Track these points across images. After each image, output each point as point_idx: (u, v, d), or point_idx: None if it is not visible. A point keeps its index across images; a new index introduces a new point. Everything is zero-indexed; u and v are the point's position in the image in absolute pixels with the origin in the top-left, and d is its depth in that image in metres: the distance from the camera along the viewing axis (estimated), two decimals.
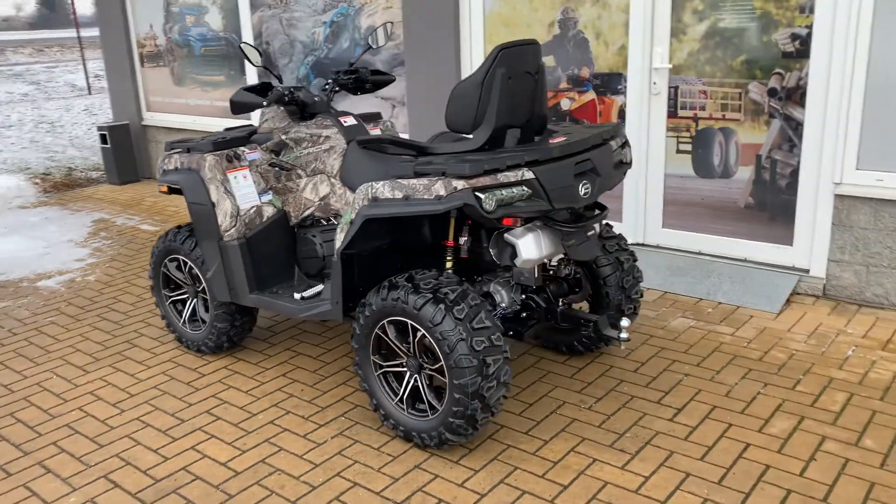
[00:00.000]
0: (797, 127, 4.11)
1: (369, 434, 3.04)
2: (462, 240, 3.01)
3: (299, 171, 3.52)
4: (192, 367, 3.71)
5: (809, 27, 3.96)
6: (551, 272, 3.47)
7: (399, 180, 2.74)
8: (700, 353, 3.60)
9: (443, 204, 2.61)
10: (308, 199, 3.48)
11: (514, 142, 2.97)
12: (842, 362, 3.44)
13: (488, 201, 2.57)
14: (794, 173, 4.17)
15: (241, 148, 3.54)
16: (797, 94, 4.08)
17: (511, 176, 2.64)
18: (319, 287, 3.43)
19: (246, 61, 3.57)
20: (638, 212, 4.74)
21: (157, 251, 3.79)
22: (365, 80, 3.82)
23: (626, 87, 4.64)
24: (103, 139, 7.82)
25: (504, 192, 2.62)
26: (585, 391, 3.29)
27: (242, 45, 3.47)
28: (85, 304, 4.60)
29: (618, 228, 4.86)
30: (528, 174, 2.66)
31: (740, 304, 4.10)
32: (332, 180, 3.41)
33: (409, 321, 2.75)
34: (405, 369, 2.92)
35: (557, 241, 2.93)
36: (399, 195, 2.73)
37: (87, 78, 14.22)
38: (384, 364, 2.97)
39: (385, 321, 2.87)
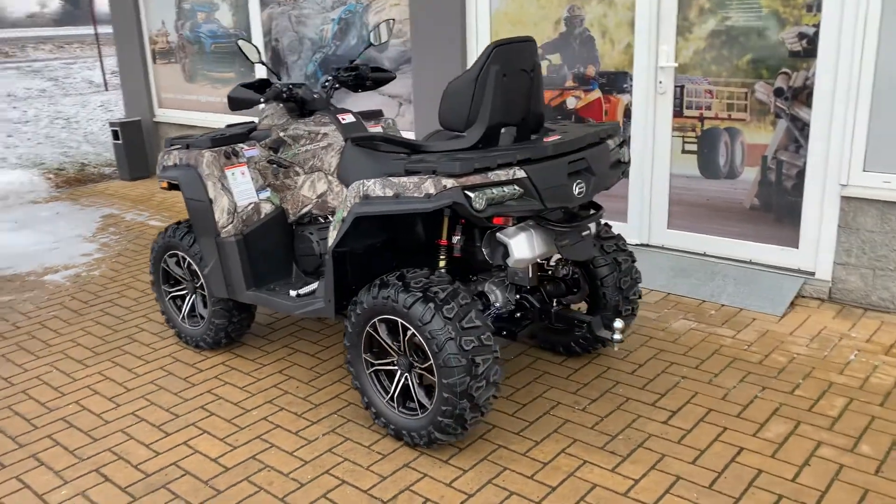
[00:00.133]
0: (803, 127, 4.06)
1: (361, 432, 3.04)
2: (455, 239, 2.99)
3: (297, 169, 3.52)
4: (190, 362, 3.72)
5: (817, 26, 3.90)
6: (550, 272, 3.44)
7: (390, 178, 2.73)
8: (699, 355, 3.56)
9: (432, 202, 2.59)
10: (306, 196, 3.48)
11: (510, 140, 2.95)
12: (843, 367, 3.38)
13: (478, 200, 2.55)
14: (801, 174, 4.11)
15: (240, 144, 3.54)
16: (804, 94, 4.02)
17: (502, 175, 2.62)
18: (315, 284, 3.42)
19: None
20: (643, 212, 4.70)
21: (156, 247, 3.81)
22: (365, 78, 3.81)
23: (631, 85, 4.60)
24: (115, 135, 7.88)
25: (495, 190, 2.60)
26: (580, 392, 3.26)
27: (240, 42, 3.47)
28: (89, 299, 4.63)
29: (622, 229, 4.82)
30: (520, 173, 2.64)
31: (744, 306, 4.05)
32: (330, 178, 3.41)
33: (400, 320, 2.74)
34: (396, 367, 2.91)
35: (551, 240, 2.90)
36: (389, 193, 2.71)
37: (103, 74, 14.34)
38: (375, 362, 2.96)
39: (376, 319, 2.86)
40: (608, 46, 4.66)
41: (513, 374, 3.43)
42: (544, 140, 2.85)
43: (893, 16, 3.66)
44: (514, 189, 2.63)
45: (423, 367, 2.81)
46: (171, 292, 3.89)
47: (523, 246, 2.82)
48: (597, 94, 4.79)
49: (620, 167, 3.11)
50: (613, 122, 3.17)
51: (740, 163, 4.31)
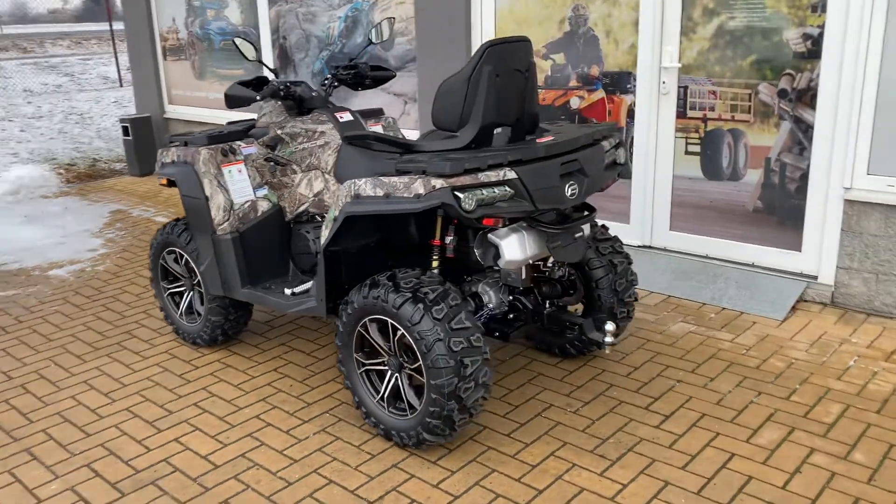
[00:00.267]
0: (807, 129, 4.01)
1: (351, 431, 3.03)
2: (448, 239, 2.98)
3: (294, 167, 3.52)
4: (187, 359, 3.73)
5: (821, 27, 3.85)
6: (546, 273, 3.42)
7: (381, 178, 2.72)
8: (696, 359, 3.52)
9: (421, 203, 2.58)
10: (302, 194, 3.48)
11: (505, 141, 2.93)
12: (842, 373, 3.34)
13: (468, 201, 2.54)
14: (804, 177, 4.06)
15: (237, 142, 3.55)
16: (808, 96, 3.97)
17: (492, 175, 2.60)
18: (309, 283, 3.42)
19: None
20: (645, 214, 4.67)
21: (155, 243, 3.83)
22: (364, 76, 3.80)
23: (635, 86, 4.57)
24: (125, 131, 7.93)
25: (485, 191, 2.58)
26: (573, 394, 3.24)
27: (236, 40, 3.47)
28: (91, 294, 4.66)
29: (624, 230, 4.79)
30: (511, 174, 2.62)
31: (744, 309, 4.01)
32: (327, 176, 3.40)
33: (390, 320, 2.73)
34: (386, 368, 2.90)
35: (543, 242, 2.88)
36: (380, 193, 2.71)
37: (118, 70, 14.44)
38: (366, 362, 2.96)
39: (367, 319, 2.85)
40: (612, 46, 4.63)
41: (507, 376, 3.42)
42: (537, 141, 2.83)
43: None
44: (505, 190, 2.62)
45: (412, 367, 2.81)
46: (169, 289, 3.91)
47: (514, 247, 2.81)
48: (600, 94, 4.75)
49: (616, 168, 3.08)
50: (610, 123, 3.15)
51: (743, 165, 4.27)
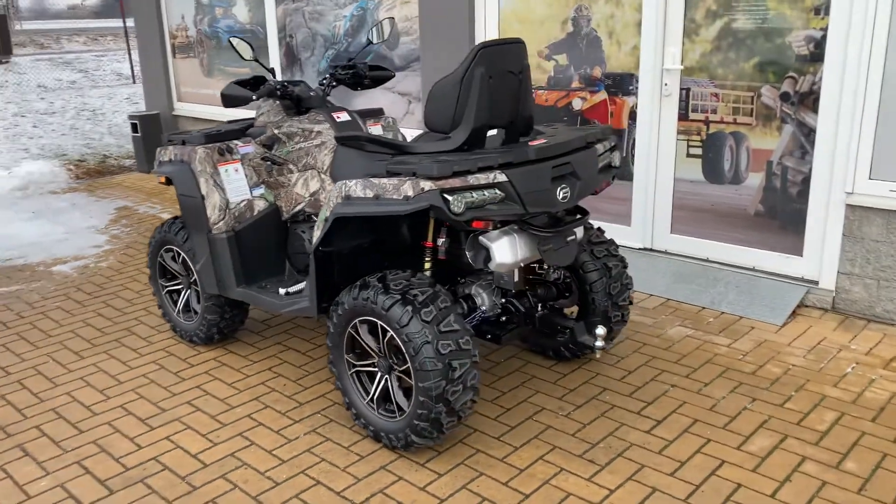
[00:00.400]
0: (809, 133, 3.97)
1: (341, 432, 3.03)
2: (440, 241, 2.97)
3: (291, 166, 3.52)
4: (183, 357, 3.75)
5: (824, 30, 3.81)
6: (542, 276, 3.41)
7: (371, 179, 2.72)
8: (692, 364, 3.50)
9: (410, 204, 2.57)
10: (299, 194, 3.48)
11: (499, 143, 2.92)
12: (838, 380, 3.31)
13: (456, 203, 2.53)
14: (806, 181, 4.02)
15: (234, 141, 3.56)
16: (810, 99, 3.93)
17: (482, 178, 2.59)
18: (304, 283, 3.42)
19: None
20: (646, 216, 4.64)
21: (154, 241, 3.84)
22: (363, 76, 3.80)
23: (637, 87, 4.54)
24: (134, 128, 7.97)
25: (475, 194, 2.57)
26: (566, 398, 3.22)
27: (232, 39, 3.48)
28: (93, 291, 4.69)
29: (625, 232, 4.76)
30: (501, 177, 2.61)
31: (744, 314, 3.98)
32: (323, 176, 3.40)
33: (379, 321, 2.73)
34: (376, 369, 2.90)
35: (534, 245, 2.87)
36: (370, 194, 2.70)
37: (131, 67, 14.51)
38: (357, 363, 2.96)
39: (357, 320, 2.85)
40: (615, 48, 4.60)
41: (501, 378, 3.41)
42: (530, 144, 2.81)
43: None
44: (495, 193, 2.60)
45: (401, 369, 2.80)
46: (167, 286, 3.92)
47: (505, 250, 2.79)
48: (603, 95, 4.73)
49: (610, 172, 3.06)
50: (605, 126, 3.13)
51: (745, 168, 4.23)
